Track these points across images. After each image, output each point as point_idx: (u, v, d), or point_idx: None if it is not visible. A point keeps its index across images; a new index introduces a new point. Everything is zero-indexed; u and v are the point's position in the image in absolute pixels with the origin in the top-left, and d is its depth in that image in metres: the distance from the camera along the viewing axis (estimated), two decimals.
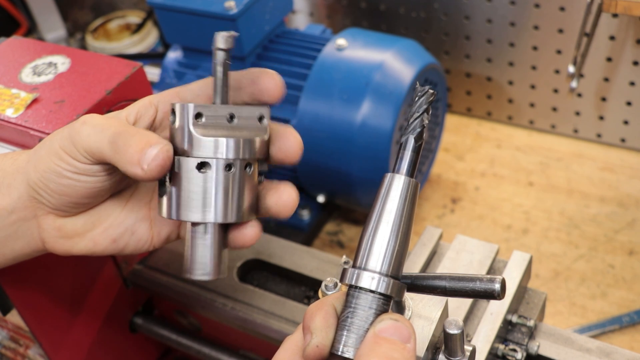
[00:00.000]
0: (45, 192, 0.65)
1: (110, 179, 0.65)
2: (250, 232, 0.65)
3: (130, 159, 0.60)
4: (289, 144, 0.65)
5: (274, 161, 0.66)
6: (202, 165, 0.61)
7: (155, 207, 0.69)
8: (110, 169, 0.64)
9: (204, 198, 0.61)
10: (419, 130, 0.56)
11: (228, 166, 0.61)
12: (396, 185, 0.55)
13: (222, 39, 0.60)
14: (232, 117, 0.61)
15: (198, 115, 0.60)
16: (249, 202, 0.64)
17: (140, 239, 0.69)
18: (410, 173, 0.56)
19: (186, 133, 0.60)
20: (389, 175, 0.56)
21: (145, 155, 0.59)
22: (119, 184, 0.68)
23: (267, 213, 0.67)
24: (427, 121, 0.56)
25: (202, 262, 0.63)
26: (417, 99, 0.56)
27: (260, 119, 0.63)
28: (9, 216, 0.67)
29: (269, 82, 0.65)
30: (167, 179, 0.62)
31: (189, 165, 0.60)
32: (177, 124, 0.61)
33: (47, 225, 0.68)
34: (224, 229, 0.64)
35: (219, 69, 0.61)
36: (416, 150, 0.56)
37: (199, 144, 0.60)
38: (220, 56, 0.61)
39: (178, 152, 0.61)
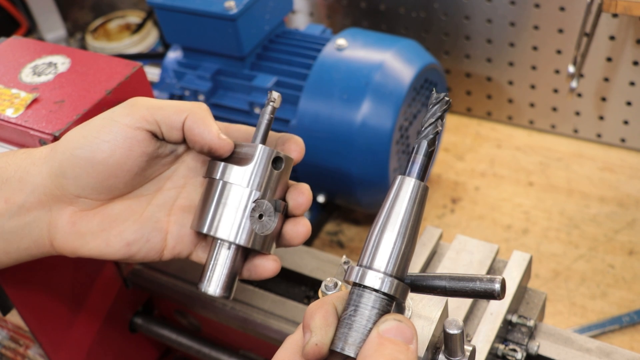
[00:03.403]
0: (73, 171, 0.66)
1: (146, 153, 0.67)
2: (272, 265, 0.71)
3: (210, 128, 0.66)
4: (300, 197, 0.71)
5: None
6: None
7: (175, 221, 0.71)
8: (153, 143, 0.67)
9: (239, 222, 0.67)
10: (431, 136, 0.57)
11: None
12: (406, 188, 0.56)
13: (278, 98, 0.69)
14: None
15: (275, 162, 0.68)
16: (273, 235, 0.70)
17: (152, 249, 0.70)
18: (421, 177, 0.57)
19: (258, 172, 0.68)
20: (399, 177, 0.57)
21: (221, 134, 0.67)
22: (149, 168, 0.69)
23: (281, 241, 0.72)
24: (441, 128, 0.57)
25: (217, 279, 0.69)
26: (431, 106, 0.57)
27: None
28: (19, 211, 0.67)
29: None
30: (211, 200, 0.68)
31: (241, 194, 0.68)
32: (254, 162, 0.67)
33: (60, 221, 0.68)
34: (244, 255, 0.70)
35: (267, 117, 0.69)
36: (428, 155, 0.57)
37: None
38: (270, 110, 0.69)
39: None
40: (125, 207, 0.69)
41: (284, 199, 0.70)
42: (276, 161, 0.68)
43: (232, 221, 0.67)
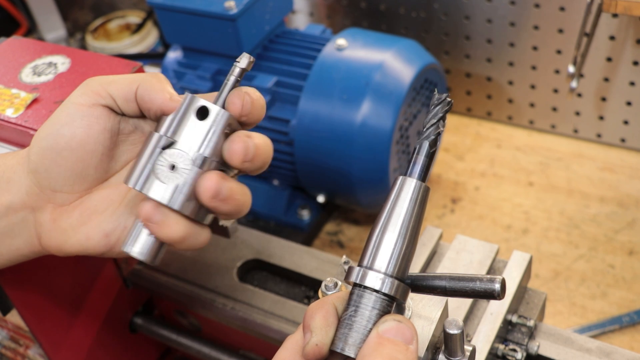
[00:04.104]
0: (42, 164, 0.65)
1: (106, 129, 0.66)
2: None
3: (161, 93, 0.63)
4: (234, 146, 0.63)
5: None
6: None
7: None
8: (112, 118, 0.66)
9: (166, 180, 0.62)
10: (433, 137, 0.57)
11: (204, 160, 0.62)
12: (407, 188, 0.56)
13: (246, 60, 0.63)
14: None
15: (202, 113, 0.62)
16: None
17: None
18: (422, 177, 0.57)
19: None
20: (400, 177, 0.57)
21: (174, 96, 0.64)
22: (116, 148, 0.68)
23: None
24: (442, 128, 0.57)
25: (143, 241, 0.64)
26: (433, 107, 0.57)
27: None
28: (6, 212, 0.67)
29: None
30: (140, 153, 0.63)
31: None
32: (176, 111, 0.63)
33: (43, 219, 0.68)
34: None
35: (232, 79, 0.63)
36: (429, 156, 0.57)
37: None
38: (236, 72, 0.63)
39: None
40: (103, 198, 0.68)
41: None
42: (200, 111, 0.62)
43: (165, 181, 0.61)
